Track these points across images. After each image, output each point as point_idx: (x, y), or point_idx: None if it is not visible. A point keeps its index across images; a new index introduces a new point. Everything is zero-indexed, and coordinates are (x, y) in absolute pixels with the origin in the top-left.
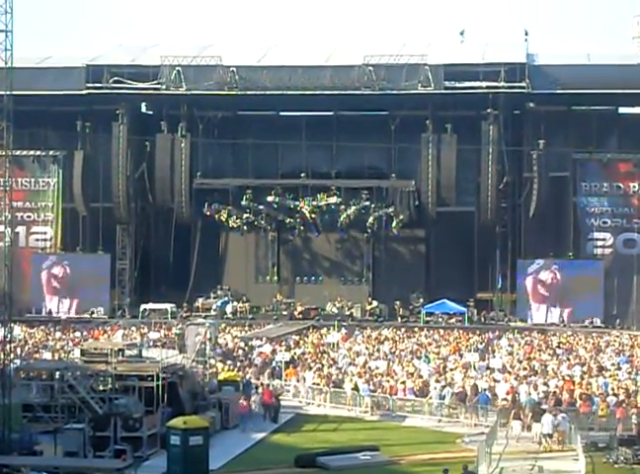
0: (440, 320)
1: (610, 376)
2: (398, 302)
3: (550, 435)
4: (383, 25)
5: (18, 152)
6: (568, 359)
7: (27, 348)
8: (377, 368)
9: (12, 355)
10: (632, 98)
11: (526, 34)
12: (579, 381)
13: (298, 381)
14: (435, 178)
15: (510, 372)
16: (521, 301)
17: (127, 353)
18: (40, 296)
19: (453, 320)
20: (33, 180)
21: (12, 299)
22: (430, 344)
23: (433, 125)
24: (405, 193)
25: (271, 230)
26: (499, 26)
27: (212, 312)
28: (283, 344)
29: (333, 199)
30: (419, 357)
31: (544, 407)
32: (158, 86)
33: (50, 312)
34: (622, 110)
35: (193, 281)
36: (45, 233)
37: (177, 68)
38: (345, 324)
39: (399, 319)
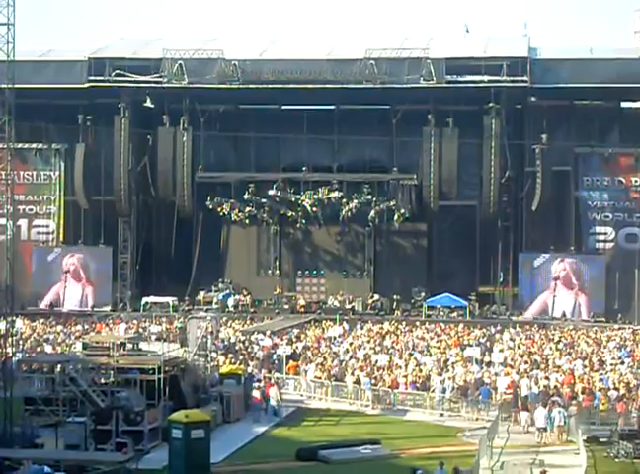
0: (442, 314)
1: (612, 370)
2: (399, 296)
3: (545, 429)
4: (385, 18)
5: (20, 145)
6: (569, 354)
7: (29, 341)
8: (379, 362)
9: (14, 349)
10: (634, 92)
11: (525, 26)
12: (580, 375)
13: (299, 374)
14: (436, 172)
15: (511, 366)
16: (525, 294)
17: (129, 346)
18: (45, 289)
19: (455, 314)
20: (34, 173)
21: (14, 292)
22: (431, 338)
23: (434, 119)
24: (407, 186)
25: (272, 224)
26: (501, 19)
27: (214, 305)
28: (285, 337)
29: (334, 193)
30: (420, 351)
31: (555, 399)
32: (160, 79)
33: (52, 305)
34: (624, 104)
35: (194, 275)
36: (47, 226)
37: (179, 62)
38: (346, 318)
39: (400, 313)
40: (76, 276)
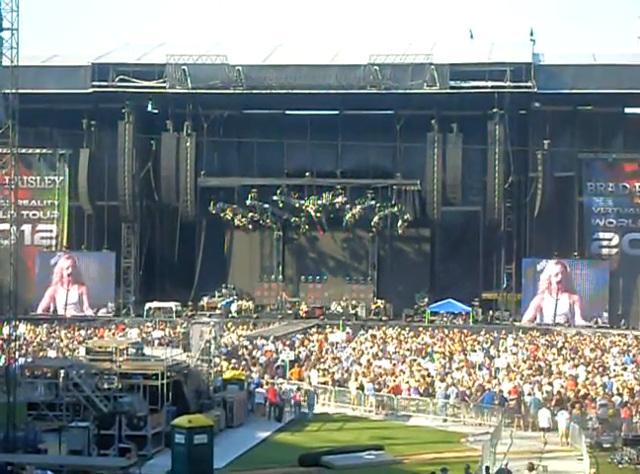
0: (445, 319)
1: (615, 376)
2: (403, 301)
3: (548, 429)
4: (389, 24)
5: (23, 150)
6: (572, 359)
7: (32, 346)
8: (382, 368)
9: (17, 354)
10: (638, 98)
11: (532, 33)
12: (583, 381)
13: (303, 380)
14: (440, 177)
15: (514, 372)
16: (528, 300)
17: (132, 351)
18: (46, 293)
19: (458, 320)
20: (38, 178)
21: (17, 297)
22: (434, 343)
23: (438, 125)
24: (410, 192)
25: (276, 229)
26: (505, 25)
27: (217, 311)
28: (288, 343)
29: (338, 199)
30: (424, 357)
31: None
32: (164, 84)
33: (56, 310)
34: (628, 110)
35: (198, 280)
36: (51, 231)
37: (183, 67)
38: (350, 323)
39: (404, 318)
40: (72, 280)
